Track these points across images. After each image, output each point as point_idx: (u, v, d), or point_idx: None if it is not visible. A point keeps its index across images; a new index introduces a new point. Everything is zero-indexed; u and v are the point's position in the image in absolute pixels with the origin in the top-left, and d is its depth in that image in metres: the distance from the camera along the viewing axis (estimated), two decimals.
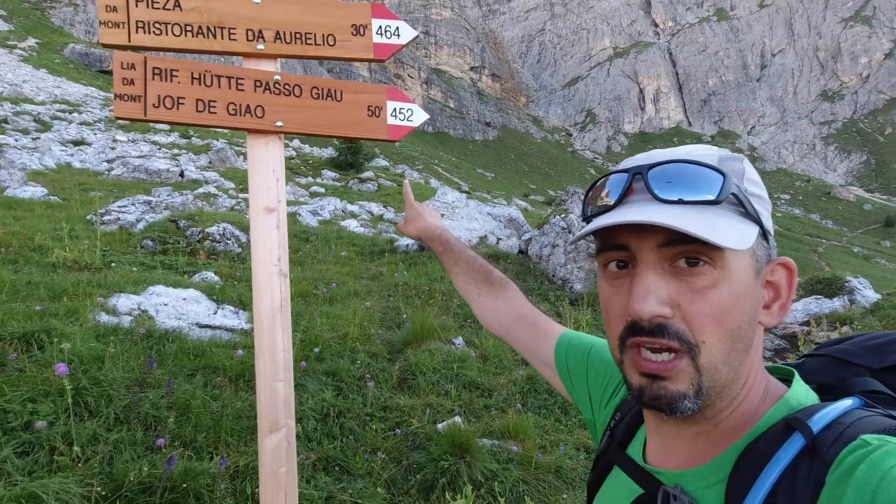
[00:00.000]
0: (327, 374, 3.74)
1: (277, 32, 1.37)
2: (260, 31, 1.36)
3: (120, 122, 28.25)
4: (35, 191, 11.41)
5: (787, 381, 0.67)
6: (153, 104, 1.29)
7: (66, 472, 2.11)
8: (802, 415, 0.58)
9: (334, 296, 5.99)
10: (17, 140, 21.24)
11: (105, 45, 1.30)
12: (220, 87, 1.33)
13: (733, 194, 0.60)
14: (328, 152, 35.84)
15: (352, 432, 3.15)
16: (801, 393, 0.64)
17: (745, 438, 0.61)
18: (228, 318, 4.48)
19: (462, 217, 11.17)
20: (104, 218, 7.92)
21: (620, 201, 0.63)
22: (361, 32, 1.41)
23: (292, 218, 13.78)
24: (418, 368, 4.05)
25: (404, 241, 10.15)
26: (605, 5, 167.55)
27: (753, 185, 0.63)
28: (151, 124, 28.66)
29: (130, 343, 3.34)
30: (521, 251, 9.23)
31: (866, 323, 6.31)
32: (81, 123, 27.87)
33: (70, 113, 29.42)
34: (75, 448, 2.22)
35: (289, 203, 16.88)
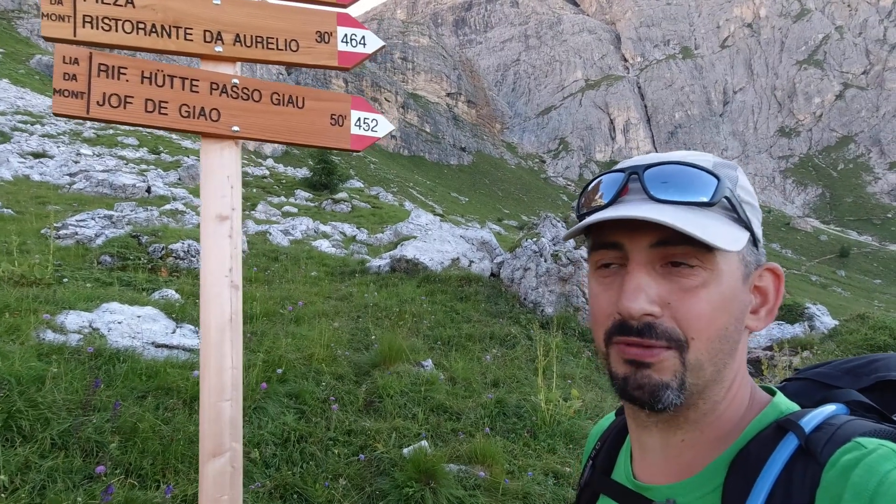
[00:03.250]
0: (290, 397, 3.59)
1: (237, 35, 1.32)
2: (219, 33, 1.31)
3: (86, 135, 27.40)
4: None
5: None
6: (97, 102, 1.21)
7: None
8: (793, 417, 0.59)
9: (301, 316, 5.83)
10: None
11: (47, 39, 1.22)
12: (172, 87, 1.27)
13: (726, 198, 0.61)
14: (302, 172, 35.60)
15: (313, 457, 3.01)
16: (787, 402, 0.65)
17: (735, 444, 0.61)
18: (188, 337, 4.28)
19: (435, 239, 11.15)
20: (61, 232, 7.58)
21: (615, 200, 0.64)
22: (326, 40, 1.37)
23: (263, 237, 13.52)
24: (385, 391, 3.94)
25: (376, 262, 10.04)
26: (577, 39, 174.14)
27: (746, 193, 0.64)
28: (119, 139, 27.91)
29: (77, 363, 3.13)
30: (493, 274, 9.24)
31: (825, 348, 6.49)
32: (43, 135, 26.93)
33: (32, 125, 28.43)
34: (2, 477, 2.03)
35: (260, 222, 16.58)
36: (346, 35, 1.38)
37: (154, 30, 1.27)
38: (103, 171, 18.11)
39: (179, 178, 21.09)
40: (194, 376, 3.24)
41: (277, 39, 1.34)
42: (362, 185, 41.76)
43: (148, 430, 2.57)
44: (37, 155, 22.13)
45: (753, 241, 0.63)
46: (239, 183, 1.33)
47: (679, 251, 0.58)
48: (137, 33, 1.26)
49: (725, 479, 0.59)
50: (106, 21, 1.24)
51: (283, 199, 25.59)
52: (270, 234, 14.05)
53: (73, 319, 3.86)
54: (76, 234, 7.40)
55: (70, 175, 17.84)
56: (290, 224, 16.89)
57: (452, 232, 12.82)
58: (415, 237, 12.42)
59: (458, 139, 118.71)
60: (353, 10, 1.45)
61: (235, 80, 1.32)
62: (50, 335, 3.53)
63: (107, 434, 2.47)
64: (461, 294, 8.04)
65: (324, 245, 13.94)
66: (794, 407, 0.64)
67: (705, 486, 0.61)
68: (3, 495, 1.94)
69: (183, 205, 15.25)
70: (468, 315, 7.08)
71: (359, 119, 1.41)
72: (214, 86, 1.31)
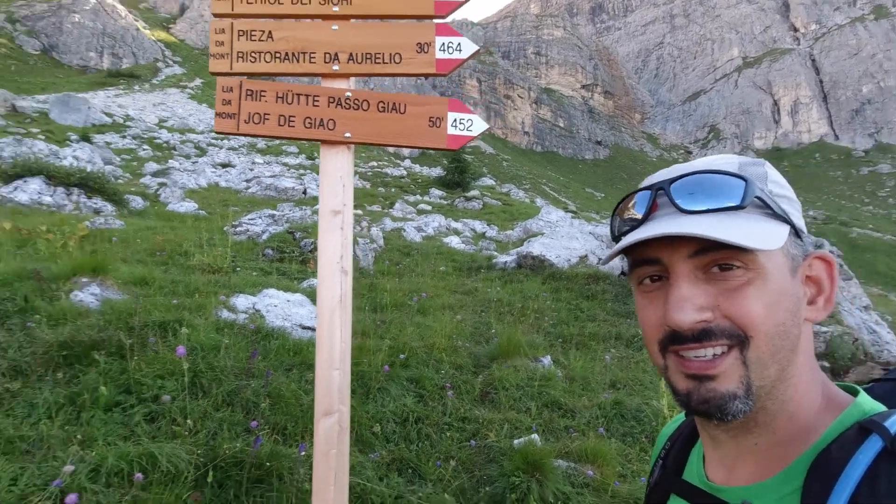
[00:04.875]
0: (410, 381, 3.87)
1: (350, 54, 1.53)
2: (336, 54, 1.53)
3: (259, 146, 31.87)
4: (189, 206, 13.32)
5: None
6: (244, 120, 1.51)
7: (180, 440, 2.43)
8: (878, 418, 0.56)
9: (427, 307, 6.19)
10: (180, 164, 25.05)
11: (213, 73, 1.55)
12: (298, 103, 1.52)
13: (758, 197, 0.61)
14: (436, 171, 37.21)
15: (428, 438, 3.23)
16: (871, 402, 0.62)
17: (815, 446, 0.59)
18: None
19: (562, 236, 10.92)
20: (237, 229, 9.01)
21: (647, 218, 0.65)
22: (425, 50, 1.51)
23: (398, 233, 14.48)
24: (501, 383, 4.04)
25: (502, 259, 10.17)
26: (733, 13, 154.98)
27: (778, 187, 0.64)
28: (283, 148, 31.96)
29: (242, 337, 3.76)
30: (623, 272, 8.77)
31: None
32: (229, 149, 32.13)
33: (221, 140, 34.03)
34: (189, 421, 2.55)
35: (396, 219, 17.79)
36: (443, 44, 1.51)
37: (287, 57, 1.53)
38: (270, 176, 20.95)
39: None
40: None
41: (383, 54, 1.52)
42: (494, 183, 42.21)
43: (291, 396, 3.01)
44: (224, 165, 26.46)
45: (796, 232, 0.62)
46: (351, 182, 1.54)
47: (719, 256, 0.59)
48: (274, 61, 1.54)
49: (805, 481, 0.57)
50: (252, 54, 1.53)
51: (418, 197, 27.08)
52: (405, 230, 15.01)
53: (242, 301, 4.61)
54: (247, 230, 8.73)
55: (246, 181, 20.94)
56: (423, 221, 17.83)
57: (581, 228, 12.42)
58: (543, 234, 12.30)
59: (594, 132, 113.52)
60: (461, 12, 1.56)
61: (348, 93, 1.53)
62: (225, 313, 4.27)
63: (261, 396, 2.94)
64: (587, 292, 7.81)
65: (454, 241, 14.49)
66: (880, 407, 0.60)
67: (783, 488, 0.59)
68: (188, 435, 2.45)
69: None
70: (593, 314, 6.86)
71: (455, 120, 1.53)
72: (331, 99, 1.53)
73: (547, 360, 4.72)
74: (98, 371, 2.81)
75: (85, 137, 26.59)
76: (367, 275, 7.93)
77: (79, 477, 1.94)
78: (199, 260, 6.15)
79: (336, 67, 1.53)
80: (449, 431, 3.32)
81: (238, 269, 6.28)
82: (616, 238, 0.70)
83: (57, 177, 10.26)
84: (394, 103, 1.53)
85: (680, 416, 0.86)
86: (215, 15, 1.55)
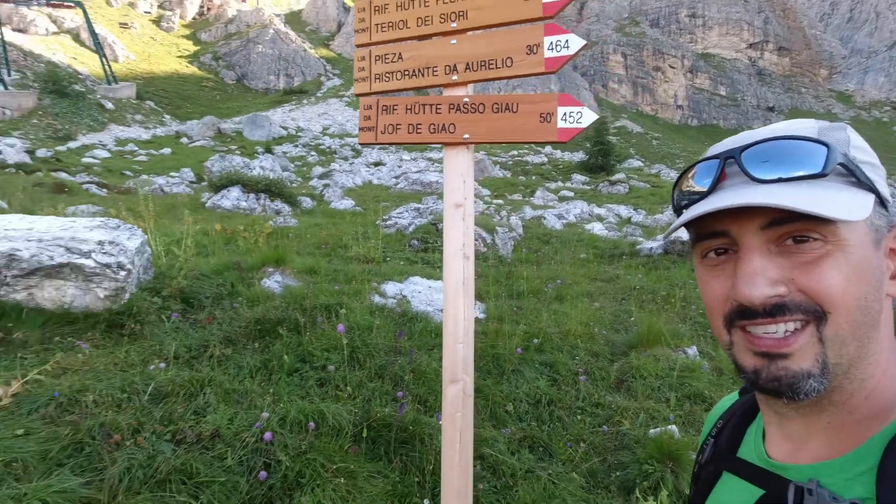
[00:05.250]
0: (544, 365, 3.98)
1: (467, 63, 1.71)
2: (455, 65, 1.72)
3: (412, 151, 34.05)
4: (347, 203, 14.94)
5: None
6: (381, 131, 1.79)
7: (342, 402, 2.90)
8: None
9: (564, 294, 6.19)
10: (340, 166, 28.10)
11: (357, 95, 1.86)
12: (424, 113, 1.74)
13: (841, 164, 0.56)
14: (578, 156, 35.95)
15: (560, 420, 3.32)
16: None
17: (894, 424, 0.56)
18: None
19: None
20: (386, 223, 9.91)
21: (714, 188, 0.61)
22: (534, 51, 1.62)
23: (538, 221, 14.44)
24: (638, 372, 3.94)
25: (648, 245, 9.60)
26: None
27: (862, 153, 0.59)
28: (429, 145, 33.75)
29: (391, 319, 4.24)
30: None
31: None
32: (381, 149, 34.98)
33: None
34: (348, 388, 3.02)
35: (536, 207, 17.73)
36: (551, 43, 1.60)
37: (413, 73, 1.77)
38: (416, 171, 22.35)
39: None
40: None
41: (496, 60, 1.67)
42: (642, 164, 39.35)
43: (431, 373, 3.34)
44: (376, 164, 28.95)
45: (881, 202, 0.58)
46: (471, 178, 1.72)
47: (795, 228, 0.55)
48: (404, 79, 1.79)
49: (882, 460, 0.54)
50: (386, 75, 1.81)
51: (559, 183, 26.53)
52: (545, 218, 14.91)
53: (391, 288, 5.15)
54: (396, 223, 9.55)
55: (395, 177, 22.65)
56: (564, 208, 17.49)
57: None
58: None
59: (764, 98, 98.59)
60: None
61: (466, 99, 1.71)
62: (377, 299, 4.83)
63: (406, 371, 3.33)
64: None
65: (596, 227, 14.00)
66: None
67: (857, 466, 0.56)
68: (347, 399, 2.91)
69: None
70: None
71: (565, 114, 1.61)
72: (451, 105, 1.73)
73: (692, 350, 4.43)
74: (282, 343, 3.45)
75: (268, 149, 31.29)
76: (505, 263, 8.16)
77: (272, 422, 2.47)
78: (356, 251, 6.97)
79: (455, 77, 1.73)
80: (581, 415, 3.37)
81: (388, 258, 6.97)
82: (678, 210, 0.66)
83: (249, 185, 12.35)
84: (507, 104, 1.67)
85: (732, 396, 0.83)
86: (357, 46, 1.86)
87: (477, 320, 4.76)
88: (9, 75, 40.97)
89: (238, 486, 2.17)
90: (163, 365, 2.99)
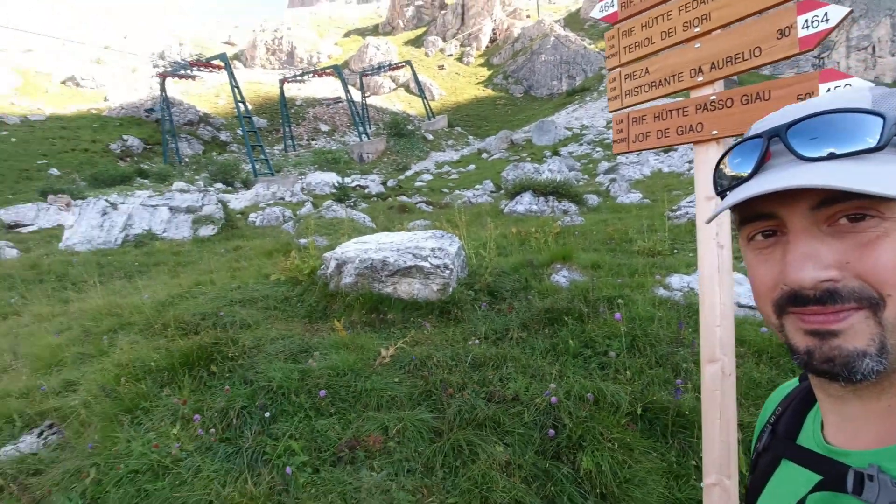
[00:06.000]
0: None
1: (713, 63, 1.77)
2: (699, 67, 1.81)
3: None
4: (634, 196, 14.60)
5: None
6: (632, 140, 2.01)
7: (620, 385, 3.17)
8: None
9: None
10: (626, 157, 27.30)
11: (611, 111, 2.14)
12: (671, 117, 1.89)
13: None
14: None
15: None
16: None
17: None
18: None
19: None
20: (676, 213, 9.36)
21: (759, 169, 0.57)
22: (786, 34, 1.58)
23: None
24: None
25: None
26: None
27: None
28: None
29: (675, 311, 4.21)
30: None
31: None
32: None
33: None
34: (627, 373, 3.27)
35: None
36: (805, 20, 1.52)
37: (659, 83, 1.93)
38: None
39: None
40: (762, 332, 3.63)
41: (742, 52, 1.67)
42: None
43: None
44: (665, 150, 26.91)
45: None
46: None
47: (849, 206, 0.51)
48: (650, 90, 1.97)
49: None
50: (635, 90, 2.02)
51: None
52: None
53: (676, 280, 5.03)
54: (686, 213, 8.94)
55: (689, 161, 20.67)
56: None
57: None
58: None
59: None
60: None
61: (713, 97, 1.77)
62: (661, 291, 4.82)
63: (687, 361, 3.33)
64: None
65: None
66: None
67: None
68: (626, 382, 3.15)
69: None
70: None
71: (828, 89, 1.51)
72: (698, 106, 1.81)
73: None
74: (568, 330, 3.92)
75: (555, 152, 32.95)
76: None
77: (558, 393, 2.96)
78: (641, 245, 6.94)
79: (700, 78, 1.81)
80: None
81: (676, 250, 6.69)
82: (721, 193, 0.62)
83: (538, 189, 13.51)
84: (758, 93, 1.66)
85: (791, 382, 0.79)
86: (609, 69, 2.14)
87: None
88: (370, 128, 55.50)
89: (532, 439, 2.73)
90: (477, 342, 3.86)
